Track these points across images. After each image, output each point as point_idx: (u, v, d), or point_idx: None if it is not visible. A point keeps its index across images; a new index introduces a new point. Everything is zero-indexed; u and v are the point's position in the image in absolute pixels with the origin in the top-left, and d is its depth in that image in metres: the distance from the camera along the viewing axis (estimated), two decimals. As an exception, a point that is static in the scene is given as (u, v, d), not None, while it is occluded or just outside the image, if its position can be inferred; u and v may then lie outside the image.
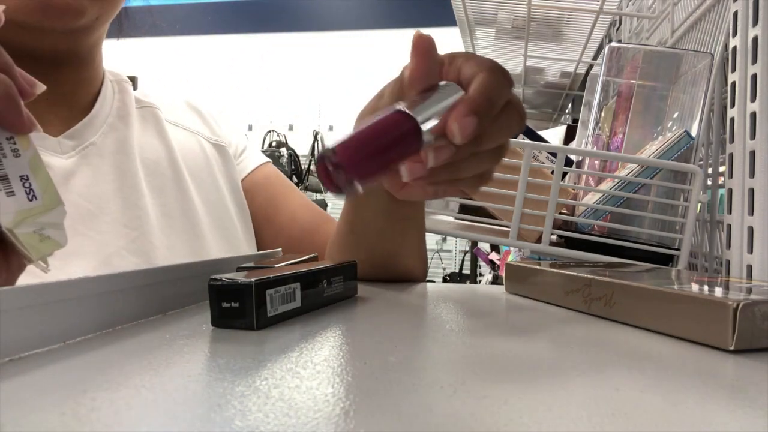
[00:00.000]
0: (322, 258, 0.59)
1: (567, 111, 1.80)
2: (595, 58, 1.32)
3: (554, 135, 1.13)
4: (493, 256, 1.80)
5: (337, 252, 0.55)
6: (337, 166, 0.27)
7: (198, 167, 0.62)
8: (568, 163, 0.72)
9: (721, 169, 0.61)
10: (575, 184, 0.70)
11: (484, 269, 2.44)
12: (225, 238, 0.61)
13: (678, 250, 0.56)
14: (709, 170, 0.65)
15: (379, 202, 0.49)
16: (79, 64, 0.54)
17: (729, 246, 0.54)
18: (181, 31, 4.44)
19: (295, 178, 3.52)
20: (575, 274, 0.40)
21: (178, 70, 4.62)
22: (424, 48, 0.34)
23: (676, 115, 0.66)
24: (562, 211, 0.62)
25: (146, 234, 0.53)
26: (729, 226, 0.54)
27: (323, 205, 3.77)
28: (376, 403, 0.20)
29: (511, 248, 1.10)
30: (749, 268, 0.51)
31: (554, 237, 0.60)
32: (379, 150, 0.28)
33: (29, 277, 0.32)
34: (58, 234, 0.31)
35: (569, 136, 1.09)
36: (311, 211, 0.68)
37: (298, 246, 0.65)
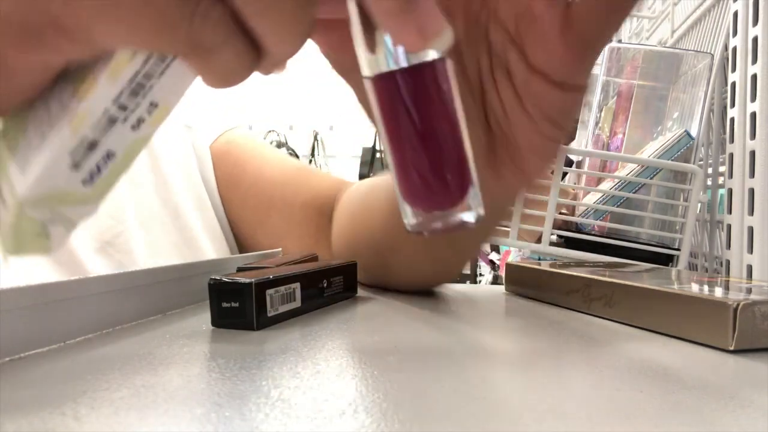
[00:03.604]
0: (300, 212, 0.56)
1: (567, 111, 1.80)
2: (595, 58, 1.31)
3: (554, 135, 1.13)
4: (493, 256, 1.80)
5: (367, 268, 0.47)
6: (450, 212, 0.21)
7: (173, 152, 0.58)
8: (568, 163, 0.72)
9: (721, 169, 0.61)
10: (575, 184, 0.70)
11: (484, 269, 2.44)
12: (209, 230, 0.58)
13: (678, 250, 0.56)
14: (709, 170, 0.65)
15: None
16: None
17: (729, 246, 0.54)
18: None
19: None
20: (575, 274, 0.40)
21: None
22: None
23: (676, 115, 0.66)
24: (562, 211, 0.62)
25: (129, 229, 0.50)
26: (729, 226, 0.54)
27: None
28: (376, 403, 0.20)
29: (511, 248, 1.10)
30: (749, 268, 0.51)
31: (554, 237, 0.60)
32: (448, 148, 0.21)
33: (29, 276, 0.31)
34: (58, 236, 0.24)
35: (569, 136, 1.09)
36: (283, 166, 0.61)
37: (268, 205, 0.58)
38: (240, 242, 0.61)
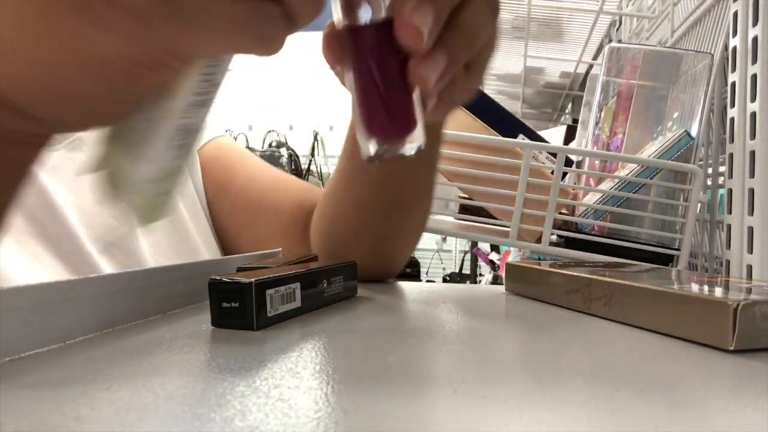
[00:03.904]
0: (290, 228, 0.58)
1: (567, 111, 1.80)
2: (595, 58, 1.32)
3: (554, 135, 1.13)
4: (493, 256, 1.80)
5: (329, 239, 0.52)
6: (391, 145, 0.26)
7: None
8: (568, 163, 0.72)
9: (721, 169, 0.61)
10: (575, 184, 0.70)
11: (484, 269, 2.44)
12: (202, 234, 0.59)
13: (678, 250, 0.56)
14: (709, 170, 0.65)
15: (372, 176, 0.47)
16: None
17: (729, 246, 0.54)
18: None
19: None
20: (575, 274, 0.40)
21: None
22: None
23: (676, 115, 0.66)
24: (562, 211, 0.62)
25: (131, 231, 0.51)
26: (729, 226, 0.54)
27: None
28: (376, 403, 0.20)
29: (511, 248, 1.10)
30: (749, 268, 0.51)
31: (554, 237, 0.60)
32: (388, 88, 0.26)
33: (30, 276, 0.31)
34: (170, 202, 0.28)
35: (569, 136, 1.09)
36: (270, 172, 0.64)
37: (257, 208, 0.61)
38: (223, 246, 0.63)
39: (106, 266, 0.48)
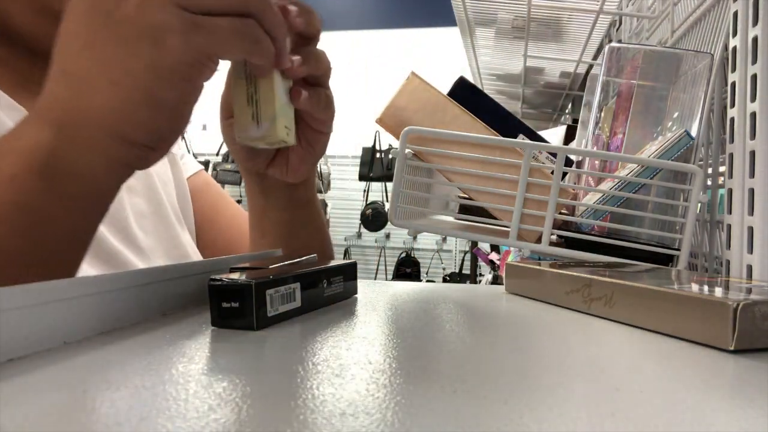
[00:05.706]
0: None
1: (567, 111, 1.81)
2: (595, 58, 1.32)
3: (554, 135, 1.13)
4: (493, 256, 1.80)
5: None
6: None
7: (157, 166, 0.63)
8: (568, 163, 0.72)
9: (721, 169, 0.61)
10: (575, 184, 0.70)
11: (484, 269, 2.44)
12: (189, 241, 0.62)
13: (678, 250, 0.56)
14: (709, 170, 0.65)
15: (280, 197, 0.52)
16: None
17: (729, 246, 0.54)
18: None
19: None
20: (575, 274, 0.40)
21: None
22: None
23: (676, 115, 0.66)
24: (562, 211, 0.62)
25: (130, 235, 0.54)
26: (729, 226, 0.54)
27: (323, 205, 3.76)
28: (376, 403, 0.20)
29: (511, 248, 1.10)
30: (749, 268, 0.51)
31: (554, 237, 0.60)
32: None
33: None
34: (292, 135, 0.44)
35: (569, 136, 1.09)
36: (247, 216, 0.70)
37: (237, 249, 0.65)
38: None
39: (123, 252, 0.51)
